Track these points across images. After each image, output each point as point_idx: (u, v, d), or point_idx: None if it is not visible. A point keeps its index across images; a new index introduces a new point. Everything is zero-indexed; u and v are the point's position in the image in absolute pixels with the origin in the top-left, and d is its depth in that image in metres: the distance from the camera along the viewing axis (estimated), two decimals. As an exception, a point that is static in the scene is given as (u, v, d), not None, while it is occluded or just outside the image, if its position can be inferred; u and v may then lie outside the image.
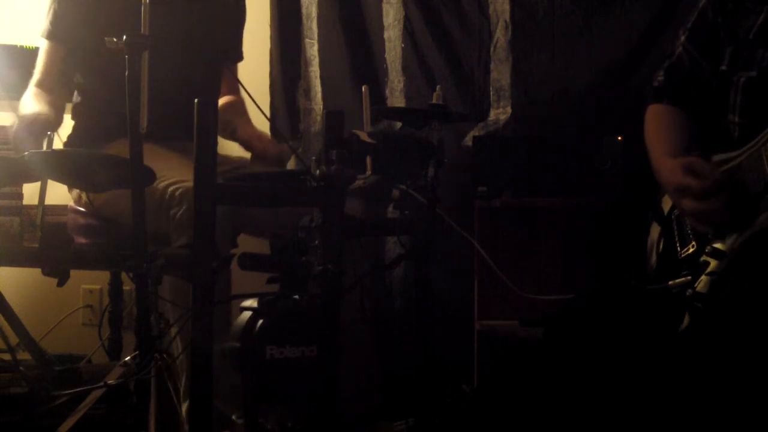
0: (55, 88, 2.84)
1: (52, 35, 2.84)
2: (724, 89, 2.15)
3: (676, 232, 2.16)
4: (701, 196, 2.02)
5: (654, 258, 2.22)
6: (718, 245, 2.02)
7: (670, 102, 2.30)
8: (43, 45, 2.87)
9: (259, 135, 2.95)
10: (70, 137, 2.92)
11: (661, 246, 2.21)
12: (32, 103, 2.79)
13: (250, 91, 2.76)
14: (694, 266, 2.06)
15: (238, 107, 3.07)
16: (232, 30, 3.08)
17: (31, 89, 2.85)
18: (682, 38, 2.27)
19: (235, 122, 2.97)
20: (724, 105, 2.15)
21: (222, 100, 3.05)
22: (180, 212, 2.44)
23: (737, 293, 1.93)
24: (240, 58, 3.13)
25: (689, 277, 2.05)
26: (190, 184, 2.00)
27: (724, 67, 2.16)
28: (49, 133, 2.65)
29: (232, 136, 2.96)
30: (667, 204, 2.22)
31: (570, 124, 3.16)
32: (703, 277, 2.03)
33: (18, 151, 2.61)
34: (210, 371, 1.94)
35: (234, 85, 3.11)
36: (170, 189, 2.47)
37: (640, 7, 3.06)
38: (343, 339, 2.06)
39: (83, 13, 2.79)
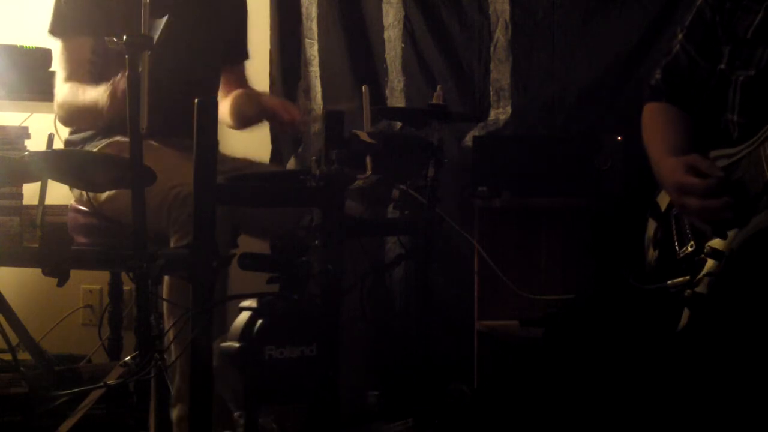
0: (85, 80, 2.79)
1: (59, 30, 2.81)
2: (723, 88, 2.15)
3: (674, 231, 2.16)
4: (704, 194, 2.02)
5: (651, 253, 2.22)
6: (716, 245, 2.02)
7: (668, 100, 2.30)
8: (59, 43, 2.82)
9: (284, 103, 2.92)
10: (71, 133, 2.90)
11: (658, 240, 2.21)
12: (85, 88, 2.72)
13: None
14: (693, 266, 2.06)
15: (252, 95, 3.03)
16: (235, 28, 3.07)
17: (64, 85, 2.79)
18: (680, 36, 2.27)
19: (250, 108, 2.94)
20: (722, 104, 2.15)
21: (235, 93, 3.01)
22: (181, 216, 2.43)
23: (736, 293, 1.93)
24: (246, 56, 3.12)
25: (688, 277, 2.05)
26: (191, 187, 1.99)
27: (722, 66, 2.16)
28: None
29: (258, 116, 2.92)
30: (663, 201, 2.22)
31: (570, 124, 3.16)
32: (701, 277, 2.03)
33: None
34: (210, 371, 1.94)
35: (243, 85, 3.10)
36: (172, 191, 2.46)
37: (640, 7, 3.06)
38: (343, 339, 2.06)
39: (87, 11, 2.77)
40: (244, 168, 2.81)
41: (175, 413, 2.44)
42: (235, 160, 2.88)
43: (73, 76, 2.78)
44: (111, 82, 2.57)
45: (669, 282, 2.08)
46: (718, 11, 2.18)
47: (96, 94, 2.66)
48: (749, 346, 1.85)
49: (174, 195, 2.46)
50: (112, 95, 2.56)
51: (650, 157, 2.24)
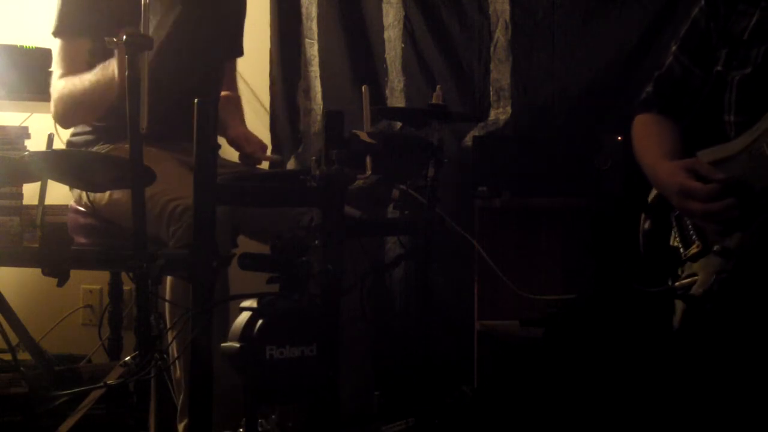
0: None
1: (63, 31, 2.80)
2: (719, 91, 2.15)
3: (676, 233, 2.16)
4: (707, 198, 2.01)
5: (642, 241, 2.22)
6: (725, 243, 2.02)
7: (659, 111, 2.31)
8: (58, 43, 2.81)
9: (248, 136, 2.94)
10: (73, 135, 2.90)
11: (646, 226, 2.22)
12: (81, 76, 2.71)
13: (249, 91, 2.75)
14: (701, 266, 2.06)
15: (233, 105, 3.07)
16: (233, 25, 3.07)
17: (60, 81, 2.77)
18: (674, 48, 2.29)
19: (228, 121, 2.96)
20: (719, 107, 2.15)
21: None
22: (180, 230, 2.43)
23: (748, 291, 1.93)
24: (240, 53, 3.13)
25: (696, 277, 2.05)
26: (190, 200, 1.99)
27: (719, 68, 2.17)
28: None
29: (223, 134, 2.95)
30: (651, 195, 2.23)
31: (570, 124, 3.16)
32: (710, 276, 2.02)
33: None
34: (210, 372, 1.94)
35: (232, 81, 3.11)
36: (171, 205, 2.46)
37: (640, 8, 3.06)
38: (343, 339, 2.06)
39: (89, 13, 2.77)
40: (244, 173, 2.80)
41: (181, 428, 2.44)
42: (235, 165, 2.87)
43: (68, 75, 2.78)
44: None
45: (677, 283, 2.08)
46: (713, 18, 2.19)
47: (94, 75, 2.65)
48: (761, 344, 1.86)
49: (172, 208, 2.46)
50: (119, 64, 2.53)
51: (644, 163, 2.24)
